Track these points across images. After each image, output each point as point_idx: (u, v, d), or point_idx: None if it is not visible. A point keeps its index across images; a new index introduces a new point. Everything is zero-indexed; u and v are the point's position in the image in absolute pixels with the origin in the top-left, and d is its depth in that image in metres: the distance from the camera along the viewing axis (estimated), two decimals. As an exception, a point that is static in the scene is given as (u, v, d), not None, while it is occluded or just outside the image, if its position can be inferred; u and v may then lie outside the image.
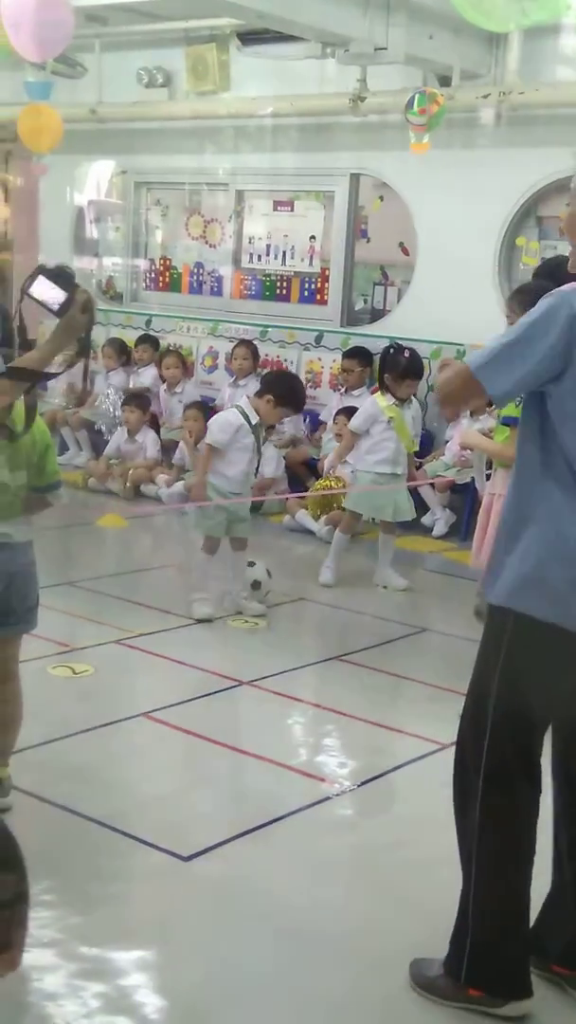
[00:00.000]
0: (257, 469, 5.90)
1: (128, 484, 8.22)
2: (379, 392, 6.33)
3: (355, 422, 6.37)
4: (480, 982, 2.67)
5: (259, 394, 5.67)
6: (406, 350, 6.39)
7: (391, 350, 6.49)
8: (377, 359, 7.33)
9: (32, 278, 2.81)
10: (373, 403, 6.32)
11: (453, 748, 4.09)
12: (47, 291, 2.80)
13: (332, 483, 7.22)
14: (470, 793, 2.70)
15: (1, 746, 3.46)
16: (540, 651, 2.59)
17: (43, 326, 5.44)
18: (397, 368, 6.26)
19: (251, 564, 5.70)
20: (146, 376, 9.09)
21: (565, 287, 2.55)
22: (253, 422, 5.55)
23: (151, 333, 9.40)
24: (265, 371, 8.52)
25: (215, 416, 5.64)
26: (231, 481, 5.55)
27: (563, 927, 2.79)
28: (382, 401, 6.25)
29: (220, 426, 5.57)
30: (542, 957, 2.79)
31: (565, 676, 2.62)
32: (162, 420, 8.88)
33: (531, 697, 2.62)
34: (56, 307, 2.82)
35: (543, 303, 2.52)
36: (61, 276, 2.83)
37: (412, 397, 6.37)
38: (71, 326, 2.86)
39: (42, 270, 2.83)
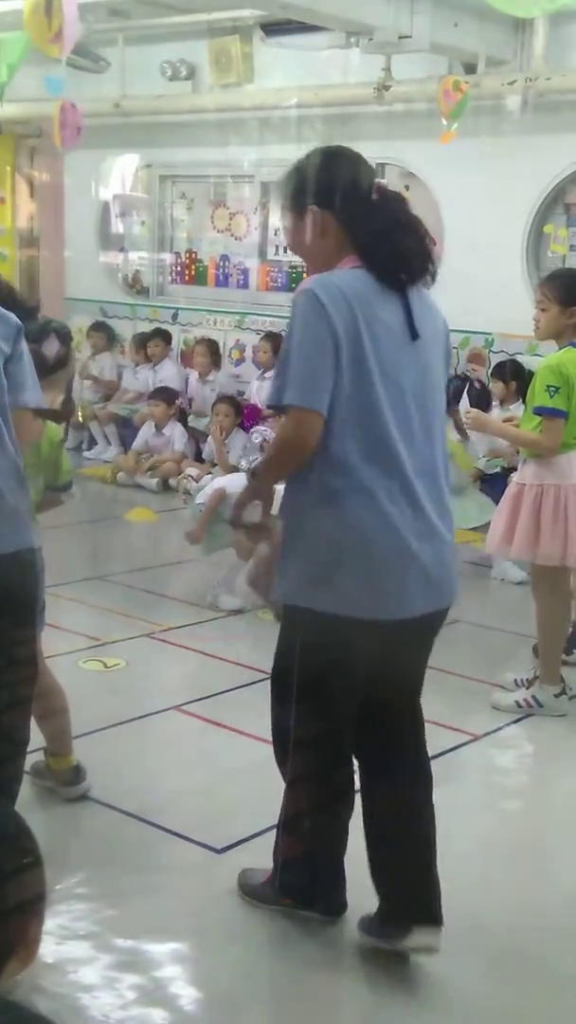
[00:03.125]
0: None
1: (157, 478, 8.23)
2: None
3: None
4: (291, 893, 2.89)
5: None
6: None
7: None
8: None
9: (44, 335, 3.12)
10: None
11: (484, 739, 4.10)
12: (54, 349, 3.10)
13: None
14: (287, 743, 2.82)
15: (57, 733, 3.49)
16: (330, 643, 2.61)
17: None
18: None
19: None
20: (164, 372, 9.09)
21: (307, 283, 2.54)
22: None
23: (161, 327, 9.40)
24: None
25: None
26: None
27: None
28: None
29: None
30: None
31: (356, 662, 2.65)
32: (191, 410, 8.88)
33: (330, 686, 2.67)
34: (52, 361, 3.15)
35: (302, 306, 2.50)
36: (65, 336, 3.22)
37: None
38: (65, 377, 3.21)
39: (52, 331, 3.18)
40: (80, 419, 9.00)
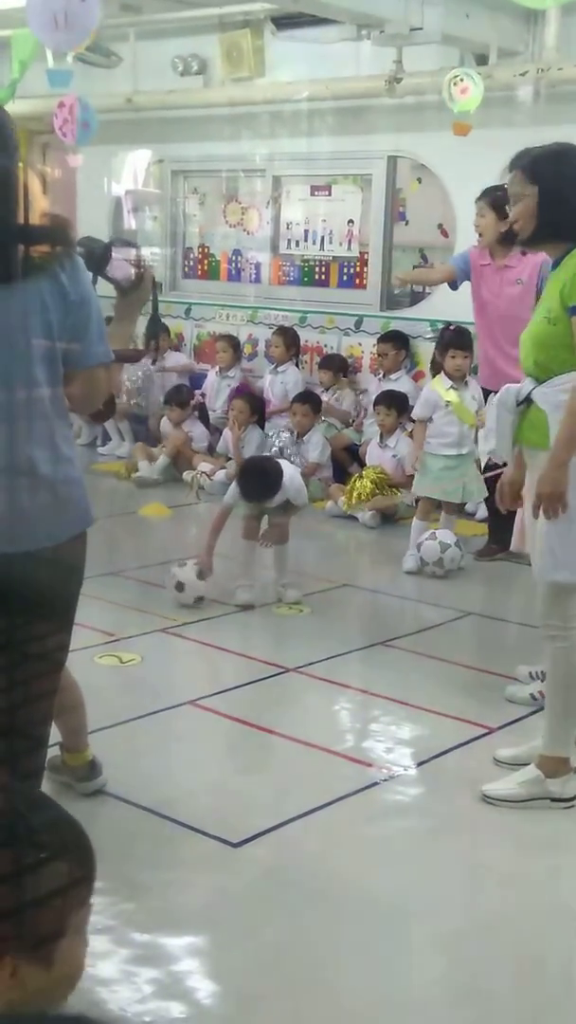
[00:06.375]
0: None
1: (169, 452, 8.25)
2: (437, 377, 6.34)
3: (417, 411, 6.41)
4: None
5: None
6: (453, 325, 6.53)
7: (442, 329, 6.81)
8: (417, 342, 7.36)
9: (106, 258, 2.73)
10: (431, 389, 6.32)
11: (500, 732, 4.10)
12: (121, 269, 2.75)
13: (374, 479, 7.23)
14: None
15: (73, 728, 3.49)
16: None
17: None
18: (441, 342, 6.46)
19: (182, 564, 5.50)
20: (172, 360, 9.09)
21: None
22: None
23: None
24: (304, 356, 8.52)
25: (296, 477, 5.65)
26: None
27: None
28: (439, 387, 6.24)
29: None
30: None
31: None
32: (209, 406, 8.89)
33: None
34: (127, 284, 2.77)
35: None
36: (130, 249, 2.78)
37: (468, 377, 6.29)
38: (141, 299, 2.81)
39: (114, 248, 2.77)
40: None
